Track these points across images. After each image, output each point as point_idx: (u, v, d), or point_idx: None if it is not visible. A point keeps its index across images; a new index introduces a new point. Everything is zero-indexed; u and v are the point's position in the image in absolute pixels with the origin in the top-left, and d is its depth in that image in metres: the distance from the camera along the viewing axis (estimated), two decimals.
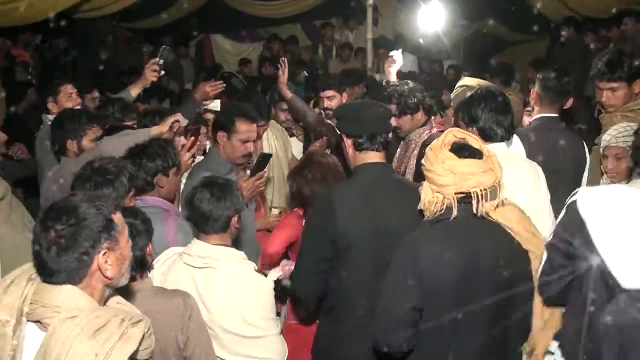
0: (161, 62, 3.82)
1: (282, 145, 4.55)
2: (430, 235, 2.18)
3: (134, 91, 3.96)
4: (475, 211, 2.12)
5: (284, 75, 4.42)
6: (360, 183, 2.52)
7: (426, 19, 7.11)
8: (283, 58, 4.75)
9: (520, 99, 5.69)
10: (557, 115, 3.38)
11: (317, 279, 2.45)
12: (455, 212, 2.10)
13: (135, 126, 3.63)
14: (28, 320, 1.68)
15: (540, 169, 2.99)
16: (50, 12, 4.88)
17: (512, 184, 2.46)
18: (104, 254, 1.68)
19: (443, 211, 2.14)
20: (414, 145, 3.64)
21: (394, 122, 3.60)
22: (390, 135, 2.57)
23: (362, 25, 9.16)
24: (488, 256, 2.13)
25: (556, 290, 2.10)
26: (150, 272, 2.38)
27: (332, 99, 4.50)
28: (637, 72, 3.21)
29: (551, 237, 2.33)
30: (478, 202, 2.10)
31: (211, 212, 2.42)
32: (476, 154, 2.15)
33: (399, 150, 3.80)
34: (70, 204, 1.69)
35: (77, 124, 3.41)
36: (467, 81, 4.07)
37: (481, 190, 2.10)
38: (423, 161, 2.22)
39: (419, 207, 2.20)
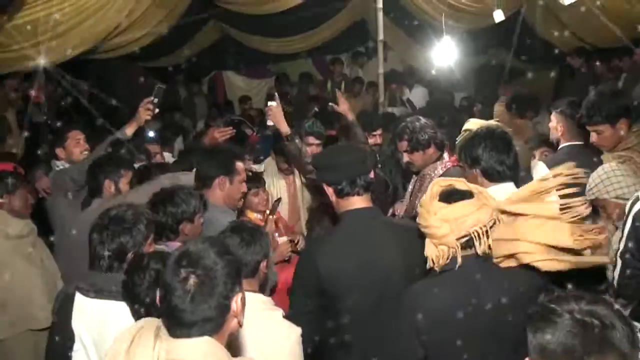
0: (155, 100, 3.87)
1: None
2: (429, 290, 2.15)
3: (129, 130, 3.97)
4: (478, 252, 2.09)
5: (342, 102, 4.29)
6: (344, 231, 2.56)
7: (437, 53, 7.15)
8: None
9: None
10: (582, 142, 3.50)
11: (306, 328, 2.41)
12: (459, 261, 2.08)
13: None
14: None
15: None
16: (66, 57, 4.96)
17: None
18: (240, 298, 1.59)
19: (449, 261, 2.11)
20: (428, 180, 3.63)
21: (405, 157, 3.71)
22: (372, 175, 2.59)
23: (371, 61, 9.22)
24: (494, 304, 2.08)
25: (631, 291, 2.53)
26: None
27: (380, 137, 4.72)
28: (625, 111, 3.16)
29: (622, 246, 2.53)
30: (479, 241, 2.07)
31: (240, 257, 2.36)
32: (466, 195, 2.13)
33: (411, 185, 3.78)
34: (201, 249, 1.60)
35: (114, 166, 3.51)
36: (470, 124, 4.04)
37: (480, 228, 2.07)
38: (417, 220, 2.21)
39: (427, 266, 2.16)
